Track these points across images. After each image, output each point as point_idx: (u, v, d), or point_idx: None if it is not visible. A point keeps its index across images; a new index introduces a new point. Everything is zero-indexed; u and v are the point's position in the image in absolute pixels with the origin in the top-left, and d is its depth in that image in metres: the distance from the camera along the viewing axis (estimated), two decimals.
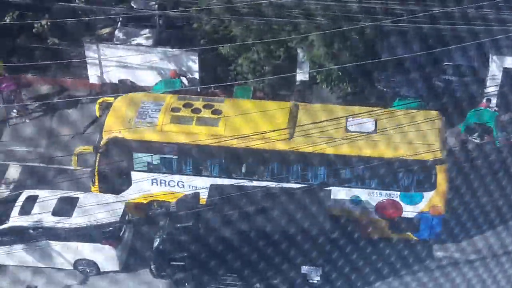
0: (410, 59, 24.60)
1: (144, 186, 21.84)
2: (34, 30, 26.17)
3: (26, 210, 21.13)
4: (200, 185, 21.56)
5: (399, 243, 22.01)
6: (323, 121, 21.10)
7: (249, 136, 20.70)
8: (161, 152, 21.49)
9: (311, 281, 20.59)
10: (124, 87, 26.37)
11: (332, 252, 20.56)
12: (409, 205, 21.33)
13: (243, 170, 21.56)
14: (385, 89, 26.17)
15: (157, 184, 21.93)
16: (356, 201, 21.50)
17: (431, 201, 21.16)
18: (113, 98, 22.99)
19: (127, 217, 21.50)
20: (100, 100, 23.45)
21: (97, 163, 21.74)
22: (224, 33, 25.48)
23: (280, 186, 21.06)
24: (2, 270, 21.34)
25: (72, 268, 21.27)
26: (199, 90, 26.25)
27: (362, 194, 21.36)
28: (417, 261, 21.85)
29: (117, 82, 26.98)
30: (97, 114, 23.53)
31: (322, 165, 21.06)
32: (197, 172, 21.73)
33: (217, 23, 25.30)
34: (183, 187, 21.89)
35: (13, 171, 24.43)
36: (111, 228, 20.89)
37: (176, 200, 21.71)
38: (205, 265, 20.46)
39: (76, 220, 20.73)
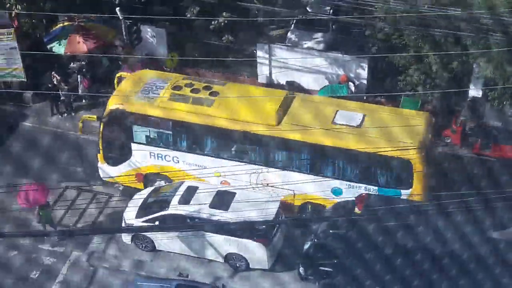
0: None
1: (143, 158, 22.84)
2: (211, 26, 26.97)
3: (185, 199, 21.76)
4: (194, 162, 22.45)
5: None
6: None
7: (237, 119, 21.62)
8: (157, 126, 22.51)
9: None
10: (291, 89, 26.48)
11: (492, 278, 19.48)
12: None
13: (233, 150, 22.26)
14: None
15: (155, 158, 22.85)
16: (337, 192, 21.63)
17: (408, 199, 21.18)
18: (129, 74, 24.26)
19: (280, 217, 21.54)
20: (118, 74, 24.89)
21: (101, 132, 22.95)
22: (396, 42, 24.91)
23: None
24: (158, 255, 22.11)
25: (222, 261, 21.63)
26: (365, 97, 25.85)
27: (342, 186, 21.60)
28: None
29: (284, 84, 27.16)
30: (116, 87, 24.69)
31: (304, 153, 21.70)
32: (191, 149, 22.51)
33: (391, 31, 24.78)
34: (178, 162, 22.60)
35: None
36: (264, 226, 21.02)
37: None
38: (353, 275, 20.05)
39: (232, 214, 21.02)
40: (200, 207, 21.40)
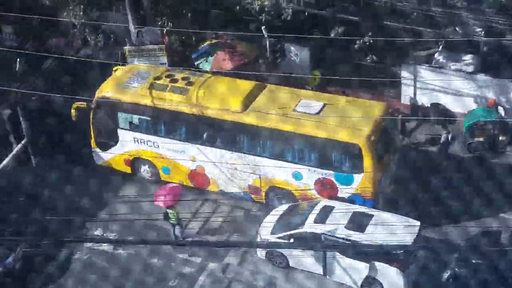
0: None
1: (128, 143, 24.31)
2: (355, 46, 26.71)
3: (321, 219, 21.46)
4: (171, 147, 23.78)
5: None
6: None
7: (207, 106, 23.04)
8: (139, 113, 23.94)
9: None
10: (436, 111, 25.63)
11: None
12: (343, 186, 22.23)
13: (204, 136, 23.42)
14: None
15: (138, 143, 24.24)
16: (298, 176, 22.44)
17: (361, 184, 21.86)
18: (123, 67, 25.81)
19: (421, 241, 20.68)
20: (115, 68, 25.88)
21: (91, 118, 24.44)
22: None
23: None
24: (291, 272, 21.83)
25: (354, 286, 21.04)
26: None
27: (302, 170, 22.50)
28: None
29: (429, 106, 26.31)
30: None
31: (268, 138, 22.74)
32: (168, 135, 23.79)
33: None
34: (158, 147, 23.95)
35: None
36: (402, 251, 20.29)
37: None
38: None
39: (368, 236, 20.49)
40: (336, 227, 21.00)
